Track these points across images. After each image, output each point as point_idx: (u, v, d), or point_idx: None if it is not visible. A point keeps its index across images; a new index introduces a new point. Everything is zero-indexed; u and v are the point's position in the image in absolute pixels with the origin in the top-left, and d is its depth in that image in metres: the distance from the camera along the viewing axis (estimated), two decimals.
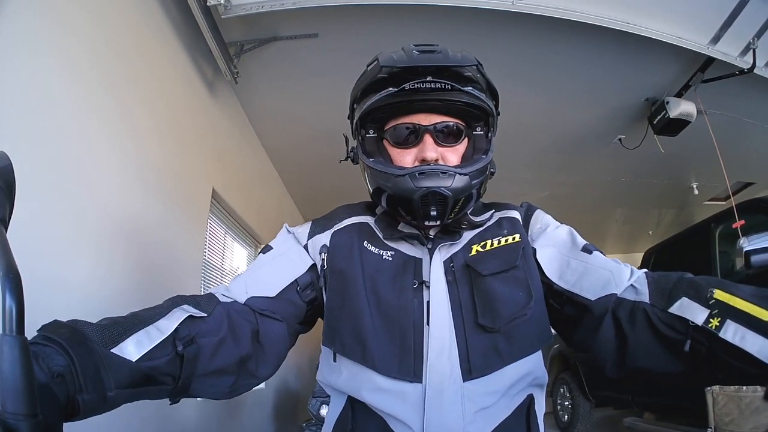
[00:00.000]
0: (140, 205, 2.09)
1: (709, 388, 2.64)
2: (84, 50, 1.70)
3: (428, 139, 0.84)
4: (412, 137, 0.86)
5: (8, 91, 1.36)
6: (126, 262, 1.95)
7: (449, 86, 0.81)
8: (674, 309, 0.75)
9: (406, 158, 0.86)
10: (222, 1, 2.33)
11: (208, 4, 2.34)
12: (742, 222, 3.11)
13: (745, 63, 2.93)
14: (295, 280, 0.91)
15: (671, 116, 3.45)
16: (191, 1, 2.33)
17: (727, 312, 0.69)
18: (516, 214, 0.97)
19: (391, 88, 0.81)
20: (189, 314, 0.74)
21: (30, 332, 0.54)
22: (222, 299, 0.85)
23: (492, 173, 0.91)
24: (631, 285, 0.82)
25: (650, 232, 7.17)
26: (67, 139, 1.60)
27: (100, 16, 1.81)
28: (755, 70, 2.91)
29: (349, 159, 0.97)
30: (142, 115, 2.12)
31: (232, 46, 2.88)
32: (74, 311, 1.56)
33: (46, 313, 0.61)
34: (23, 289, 0.40)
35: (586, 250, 0.88)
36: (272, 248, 0.96)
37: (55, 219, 1.53)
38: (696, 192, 5.33)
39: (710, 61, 3.06)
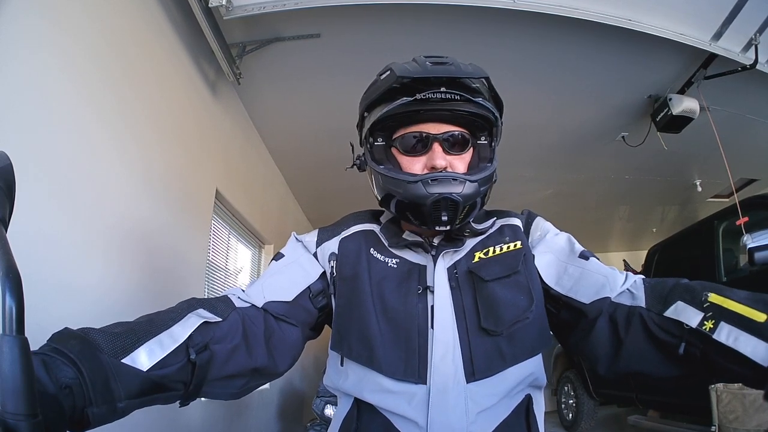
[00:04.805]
0: (144, 208, 2.10)
1: (713, 386, 2.64)
2: (86, 52, 1.71)
3: (437, 147, 0.86)
4: (420, 145, 0.88)
5: (9, 92, 1.36)
6: (132, 265, 1.96)
7: (459, 97, 0.83)
8: (669, 313, 0.75)
9: (415, 166, 0.88)
10: (223, 2, 2.33)
11: (209, 5, 2.35)
12: (746, 219, 3.10)
13: (747, 59, 2.92)
14: (308, 287, 0.93)
15: (674, 113, 3.43)
16: (193, 3, 2.33)
17: (721, 314, 0.69)
18: (517, 222, 0.99)
19: (405, 98, 0.83)
20: (204, 320, 0.75)
21: (35, 335, 0.55)
22: (238, 303, 0.86)
23: (494, 181, 0.93)
24: (628, 290, 0.83)
25: (654, 230, 7.14)
26: (70, 143, 1.61)
27: (101, 18, 1.82)
28: (758, 66, 2.90)
29: (355, 167, 0.99)
30: (145, 117, 2.13)
31: (234, 47, 2.88)
32: (84, 315, 1.57)
33: (56, 318, 0.62)
34: (23, 290, 0.40)
35: (583, 256, 0.90)
36: (284, 256, 0.98)
37: (62, 223, 1.54)
38: (699, 189, 5.31)
39: (712, 57, 3.05)
